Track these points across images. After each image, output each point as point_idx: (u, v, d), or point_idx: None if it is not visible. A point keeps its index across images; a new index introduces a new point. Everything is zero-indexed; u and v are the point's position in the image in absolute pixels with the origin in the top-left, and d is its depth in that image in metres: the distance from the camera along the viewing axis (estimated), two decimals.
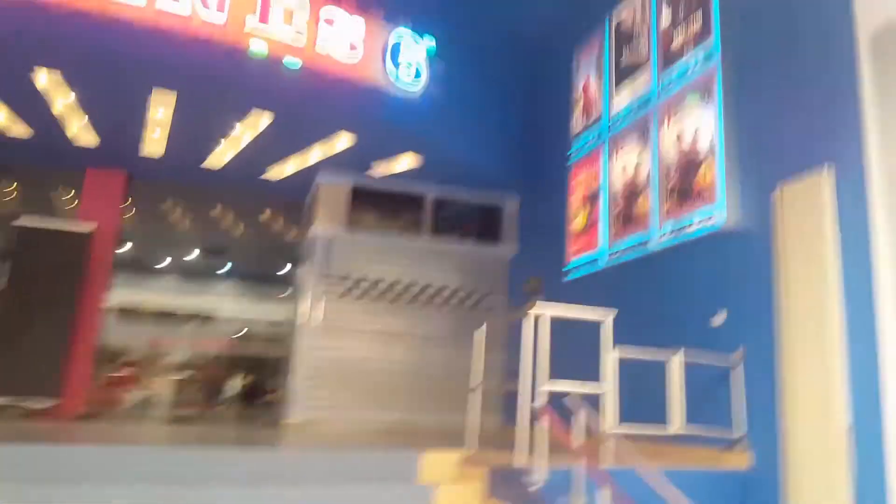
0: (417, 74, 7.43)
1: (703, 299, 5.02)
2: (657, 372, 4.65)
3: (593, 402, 4.18)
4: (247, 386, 15.65)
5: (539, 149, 8.72)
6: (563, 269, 7.19)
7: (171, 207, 12.97)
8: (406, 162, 8.45)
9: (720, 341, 4.72)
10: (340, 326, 8.47)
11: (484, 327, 5.26)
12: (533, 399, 4.10)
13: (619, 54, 6.81)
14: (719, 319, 4.82)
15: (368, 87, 7.09)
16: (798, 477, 3.80)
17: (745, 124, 4.90)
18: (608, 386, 4.23)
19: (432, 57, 7.62)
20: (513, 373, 7.63)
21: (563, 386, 4.09)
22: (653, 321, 5.45)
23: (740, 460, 4.36)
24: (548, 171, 8.42)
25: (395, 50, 7.33)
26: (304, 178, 8.96)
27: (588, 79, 7.46)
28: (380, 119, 7.29)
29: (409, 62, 7.37)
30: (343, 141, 7.81)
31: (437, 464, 4.69)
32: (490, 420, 8.46)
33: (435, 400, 8.61)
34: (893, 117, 3.62)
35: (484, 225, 9.28)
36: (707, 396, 4.69)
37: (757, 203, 4.65)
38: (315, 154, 8.29)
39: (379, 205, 8.96)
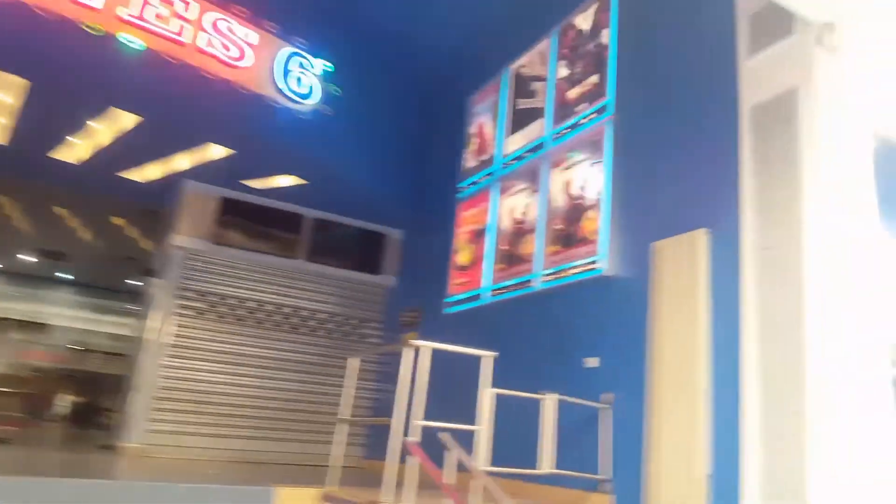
0: (309, 93, 7.20)
1: (581, 342, 5.13)
2: (534, 412, 4.65)
3: (468, 440, 4.08)
4: (79, 404, 14.05)
5: (428, 182, 8.72)
6: (445, 302, 7.13)
7: (10, 203, 11.57)
8: (287, 179, 8.10)
9: (595, 384, 4.82)
10: (195, 347, 7.83)
11: (357, 357, 5.03)
12: (406, 434, 3.92)
13: (515, 100, 6.99)
14: (593, 362, 4.94)
15: (254, 96, 6.76)
16: None
17: (631, 180, 5.14)
18: (483, 424, 4.14)
19: (327, 79, 7.43)
20: (382, 406, 7.37)
21: (437, 422, 3.95)
22: (531, 360, 5.49)
23: (603, 503, 4.42)
24: (435, 205, 8.42)
25: (287, 63, 7.08)
26: (169, 185, 8.32)
27: (483, 120, 7.60)
28: (263, 131, 6.96)
29: (300, 77, 7.13)
30: (218, 150, 7.34)
31: (292, 500, 4.35)
32: (352, 454, 8.17)
33: (296, 430, 8.18)
34: (769, 188, 3.91)
35: (364, 252, 9.05)
36: (579, 439, 4.75)
37: (636, 254, 4.85)
38: (184, 160, 7.73)
39: (251, 220, 8.42)
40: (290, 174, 7.85)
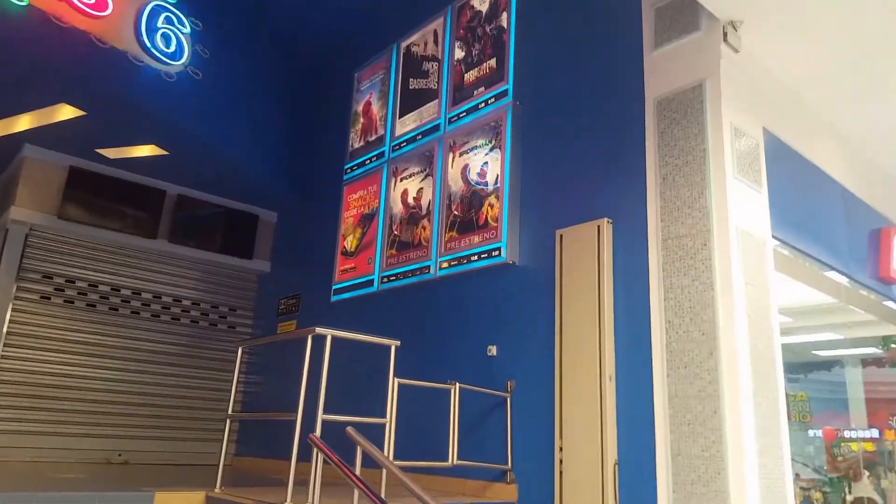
0: (177, 52, 6.59)
1: (484, 330, 5.13)
2: (435, 403, 4.59)
3: (374, 435, 3.92)
4: None
5: (307, 162, 8.34)
6: (333, 290, 6.86)
7: None
8: (147, 149, 7.38)
9: (500, 372, 4.84)
10: (38, 336, 6.95)
11: (240, 351, 4.68)
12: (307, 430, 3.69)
13: (405, 80, 6.84)
14: (496, 350, 4.97)
15: (113, 51, 6.06)
16: None
17: (533, 167, 5.19)
18: (389, 416, 4.00)
19: (196, 40, 6.85)
20: (256, 400, 7.00)
21: (342, 416, 3.75)
22: (431, 350, 5.42)
23: (508, 493, 4.46)
24: (316, 186, 8.08)
25: (154, 17, 6.43)
26: (6, 149, 7.29)
27: (370, 99, 7.37)
28: (122, 92, 6.25)
29: (167, 34, 6.50)
30: (68, 110, 6.52)
31: None
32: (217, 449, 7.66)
33: (161, 428, 7.54)
34: (673, 178, 4.10)
35: (234, 235, 8.47)
36: (485, 428, 4.76)
37: (539, 242, 4.91)
38: (26, 121, 6.79)
39: (104, 195, 7.50)
40: (151, 144, 7.15)
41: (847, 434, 6.59)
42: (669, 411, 3.74)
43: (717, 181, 3.90)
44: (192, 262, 8.22)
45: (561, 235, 4.65)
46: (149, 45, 6.22)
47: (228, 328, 8.45)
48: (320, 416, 3.64)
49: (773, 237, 4.24)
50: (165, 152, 7.20)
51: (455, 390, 4.40)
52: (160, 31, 6.35)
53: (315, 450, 3.52)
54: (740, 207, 3.93)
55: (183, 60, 6.58)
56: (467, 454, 4.40)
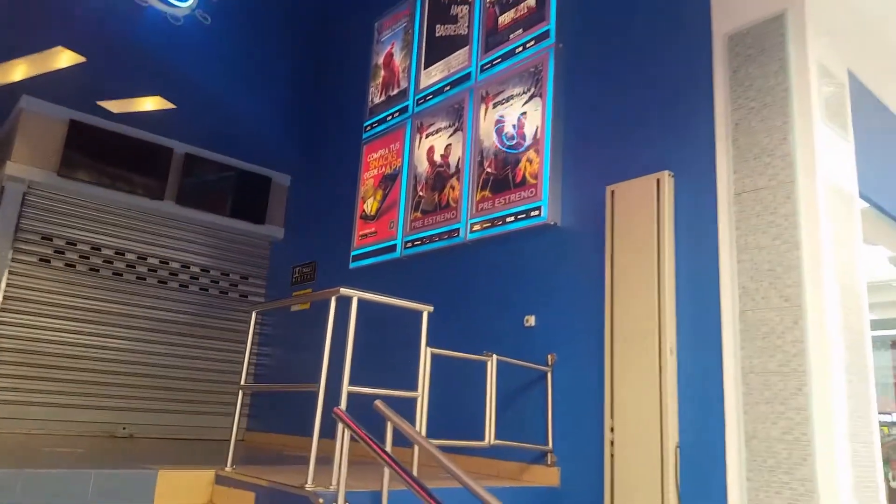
0: None
1: (520, 298, 4.69)
2: (468, 376, 4.17)
3: (402, 410, 3.50)
4: None
5: (323, 120, 7.88)
6: (352, 256, 6.44)
7: None
8: (153, 102, 6.95)
9: (540, 344, 4.42)
10: (35, 300, 6.59)
11: (254, 316, 4.27)
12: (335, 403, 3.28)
13: (431, 27, 6.33)
14: (533, 320, 4.54)
15: None
16: (623, 499, 3.56)
17: (578, 117, 4.71)
18: (422, 390, 3.59)
19: None
20: (267, 372, 6.61)
21: (370, 388, 3.34)
22: (462, 319, 4.99)
23: (548, 477, 4.05)
24: (332, 146, 7.63)
25: None
26: (2, 100, 6.87)
27: (392, 50, 6.87)
28: (125, 36, 5.81)
29: None
30: (67, 56, 6.08)
31: (180, 486, 3.59)
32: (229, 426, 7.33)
33: (167, 400, 7.21)
34: (749, 125, 3.61)
35: (246, 198, 8.03)
36: (522, 406, 4.34)
37: (585, 201, 4.45)
38: (22, 68, 6.36)
39: (108, 152, 7.03)
40: (157, 95, 6.71)
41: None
42: (743, 388, 3.29)
43: (802, 126, 3.41)
44: (201, 227, 7.82)
45: (612, 192, 4.17)
46: None
47: (240, 297, 8.06)
48: (345, 387, 3.22)
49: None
50: (172, 106, 6.76)
51: (492, 363, 3.97)
52: None
53: (340, 425, 3.11)
54: (828, 157, 3.43)
55: (190, 3, 6.11)
56: (502, 433, 3.99)
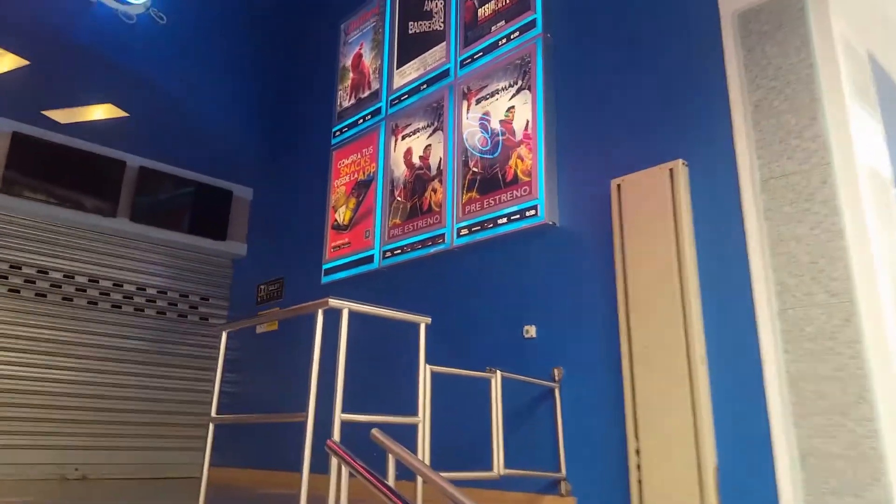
0: None
1: (516, 307, 4.22)
2: (473, 396, 3.67)
3: (400, 436, 2.98)
4: None
5: (288, 128, 7.34)
6: (323, 269, 5.89)
7: None
8: (102, 111, 6.31)
9: (543, 358, 3.94)
10: None
11: (224, 337, 3.70)
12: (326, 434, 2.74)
13: (403, 25, 5.89)
14: (533, 330, 4.07)
15: None
16: None
17: (573, 108, 4.29)
18: (422, 414, 3.07)
19: None
20: (233, 401, 6.04)
21: (365, 416, 2.82)
22: (452, 332, 4.48)
23: None
24: (298, 155, 7.09)
25: None
26: None
27: (360, 51, 6.40)
28: (73, 37, 5.22)
29: None
30: (8, 60, 5.44)
31: None
32: (189, 461, 6.64)
33: (124, 436, 6.48)
34: (770, 107, 3.23)
35: (205, 213, 7.41)
36: (527, 427, 3.85)
37: (586, 196, 4.02)
38: None
39: (55, 166, 6.37)
40: (108, 103, 6.08)
41: None
42: (792, 398, 2.87)
43: (832, 103, 3.04)
44: (157, 245, 7.17)
45: (618, 185, 3.75)
46: None
47: (200, 319, 7.40)
48: (338, 415, 2.69)
49: None
50: (125, 114, 6.14)
51: (496, 380, 3.48)
52: None
53: (335, 460, 2.58)
54: (863, 137, 3.07)
55: (143, 0, 5.52)
56: (507, 459, 3.48)
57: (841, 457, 2.67)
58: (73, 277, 6.52)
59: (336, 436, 2.66)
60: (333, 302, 2.83)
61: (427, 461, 2.97)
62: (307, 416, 2.71)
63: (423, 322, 3.19)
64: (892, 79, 4.00)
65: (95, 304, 6.63)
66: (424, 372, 3.13)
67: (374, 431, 2.69)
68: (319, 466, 2.63)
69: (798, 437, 2.80)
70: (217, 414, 3.50)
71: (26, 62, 5.29)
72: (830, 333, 2.81)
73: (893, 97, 3.94)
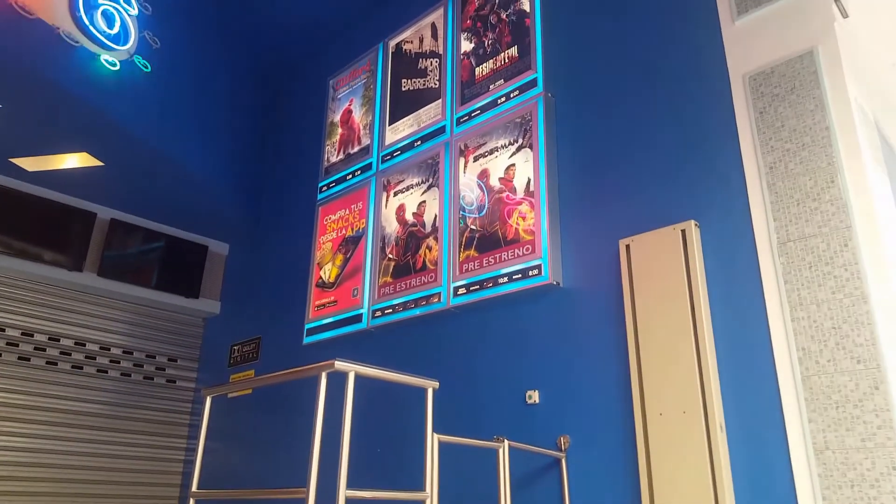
0: (122, 36, 5.53)
1: (518, 371, 4.12)
2: (475, 467, 3.52)
3: None
4: None
5: (268, 182, 7.29)
6: (305, 329, 5.72)
7: None
8: (76, 160, 6.18)
9: (547, 425, 3.82)
10: None
11: (209, 402, 3.52)
12: None
13: (396, 82, 5.96)
14: (537, 395, 3.96)
15: (42, 27, 4.96)
16: None
17: (577, 166, 4.32)
18: (430, 488, 2.91)
19: (146, 25, 5.82)
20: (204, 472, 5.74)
21: (370, 492, 2.66)
22: (444, 400, 4.34)
23: None
24: (279, 210, 7.01)
25: None
26: None
27: (350, 106, 6.44)
28: (50, 81, 5.12)
29: (110, 12, 5.45)
30: None
31: None
32: None
33: None
34: (785, 168, 3.29)
35: (177, 269, 7.22)
36: (531, 501, 3.70)
37: (592, 256, 4.00)
38: None
39: (18, 216, 6.17)
40: (83, 151, 5.96)
41: None
42: (819, 469, 2.80)
43: (851, 165, 3.10)
44: (124, 302, 6.93)
45: (627, 246, 3.75)
46: (86, 21, 5.14)
47: (167, 382, 7.11)
48: (343, 492, 2.52)
49: None
50: (100, 163, 6.01)
51: (503, 450, 3.34)
52: (101, 8, 5.27)
53: None
54: (883, 200, 3.13)
55: (128, 46, 5.51)
56: None
57: None
58: (31, 335, 6.23)
59: None
60: (340, 364, 2.71)
61: None
62: (308, 493, 2.53)
63: (431, 387, 3.06)
64: (891, 145, 4.13)
65: (54, 364, 6.32)
66: (432, 441, 2.98)
67: None
68: None
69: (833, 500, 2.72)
70: (199, 489, 3.27)
71: None
72: (857, 402, 2.77)
73: (893, 164, 4.07)
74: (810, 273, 3.07)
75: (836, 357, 2.89)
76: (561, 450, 3.73)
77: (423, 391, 3.06)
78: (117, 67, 5.38)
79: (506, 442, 3.37)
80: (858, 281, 2.91)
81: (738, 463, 3.04)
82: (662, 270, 3.53)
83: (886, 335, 2.80)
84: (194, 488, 3.17)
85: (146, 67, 5.67)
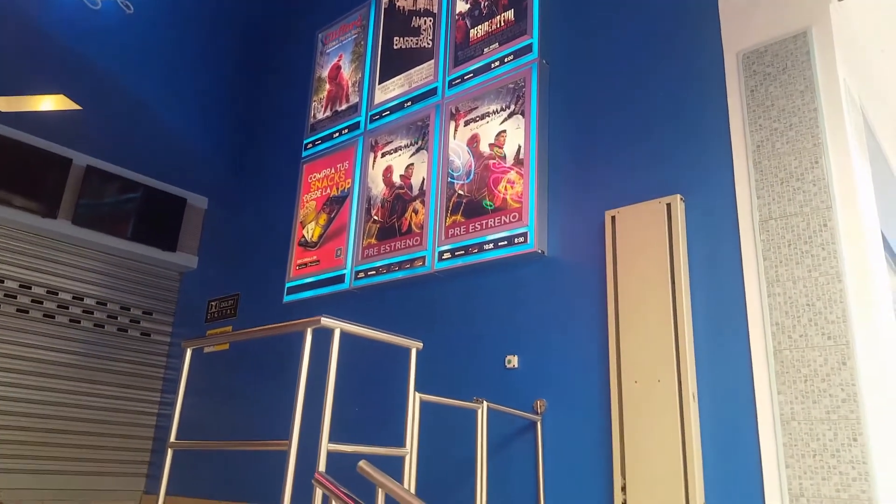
0: None
1: (499, 336, 4.28)
2: (453, 428, 3.70)
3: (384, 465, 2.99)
4: None
5: (251, 136, 7.31)
6: (286, 287, 5.84)
7: None
8: (52, 102, 6.15)
9: (525, 390, 4.01)
10: None
11: (189, 354, 3.65)
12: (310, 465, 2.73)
13: (388, 39, 5.99)
14: (516, 360, 4.14)
15: None
16: None
17: (568, 135, 4.45)
18: (410, 445, 3.09)
19: None
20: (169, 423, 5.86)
21: (351, 446, 2.82)
22: (425, 362, 4.49)
23: None
24: (261, 165, 7.05)
25: None
26: None
27: (339, 62, 6.47)
28: (29, 18, 5.10)
29: None
30: None
31: None
32: (126, 487, 6.42)
33: (50, 458, 6.20)
34: (772, 147, 3.44)
35: (155, 221, 7.26)
36: (505, 461, 3.89)
37: (578, 226, 4.15)
38: None
39: None
40: (60, 94, 5.93)
41: None
42: (784, 439, 3.01)
43: (836, 147, 3.26)
44: (99, 252, 6.97)
45: (613, 217, 3.90)
46: None
47: (141, 335, 7.21)
48: (324, 445, 2.67)
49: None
50: (77, 107, 5.98)
51: (482, 411, 3.52)
52: None
53: (319, 492, 2.57)
54: (864, 184, 3.30)
55: None
56: (489, 493, 3.52)
57: (833, 499, 2.81)
58: (2, 282, 6.27)
59: (322, 467, 2.65)
60: (326, 321, 2.85)
61: (413, 491, 2.98)
62: (290, 446, 2.68)
63: (415, 347, 3.22)
64: (873, 130, 4.30)
65: (25, 311, 6.38)
66: (414, 400, 3.14)
67: (362, 464, 2.68)
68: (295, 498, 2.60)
69: (789, 476, 2.94)
70: (177, 440, 3.41)
71: None
72: (824, 376, 2.97)
73: (875, 151, 4.24)
74: (789, 251, 3.24)
75: (808, 333, 3.08)
76: (537, 413, 3.92)
77: (407, 351, 3.21)
78: (98, 6, 5.35)
79: (485, 403, 3.55)
80: (835, 260, 3.09)
81: (708, 430, 3.25)
82: (646, 243, 3.69)
83: (857, 313, 2.99)
84: (172, 439, 3.31)
85: (128, 9, 5.65)
